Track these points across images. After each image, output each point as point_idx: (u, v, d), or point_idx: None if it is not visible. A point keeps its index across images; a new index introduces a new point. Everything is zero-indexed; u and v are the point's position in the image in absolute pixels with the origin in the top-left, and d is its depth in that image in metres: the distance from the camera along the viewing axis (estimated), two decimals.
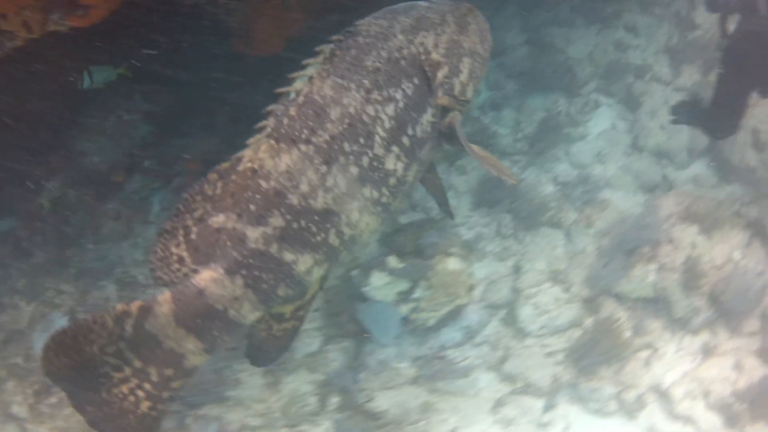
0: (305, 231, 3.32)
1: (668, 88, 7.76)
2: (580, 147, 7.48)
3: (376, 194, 3.45)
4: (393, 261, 5.99)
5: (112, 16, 4.68)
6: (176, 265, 3.33)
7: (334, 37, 3.41)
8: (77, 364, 3.21)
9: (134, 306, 3.21)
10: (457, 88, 3.62)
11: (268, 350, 3.82)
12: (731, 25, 5.11)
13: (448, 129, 3.64)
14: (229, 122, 7.13)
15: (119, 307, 3.19)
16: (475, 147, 3.61)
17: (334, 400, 5.88)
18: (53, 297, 6.44)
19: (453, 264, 6.00)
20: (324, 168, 3.28)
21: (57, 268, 6.58)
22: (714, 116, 5.57)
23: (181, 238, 3.33)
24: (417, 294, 6.05)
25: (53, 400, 5.76)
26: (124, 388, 3.33)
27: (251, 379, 5.97)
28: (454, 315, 6.26)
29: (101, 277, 6.40)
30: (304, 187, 3.27)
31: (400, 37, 3.47)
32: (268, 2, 5.77)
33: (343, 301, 5.94)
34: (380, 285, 5.98)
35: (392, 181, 3.47)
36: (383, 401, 5.83)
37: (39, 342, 5.95)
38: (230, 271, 3.27)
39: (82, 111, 6.73)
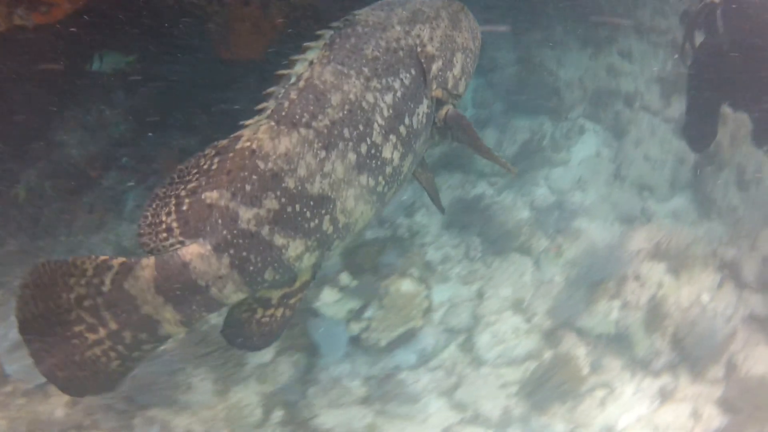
0: (299, 216, 3.21)
1: (656, 118, 7.30)
2: (561, 172, 7.06)
3: (372, 182, 3.34)
4: (345, 278, 5.78)
5: (93, 12, 4.68)
6: (164, 234, 3.18)
7: (334, 24, 3.35)
8: (51, 312, 3.14)
9: (116, 261, 3.09)
10: (451, 82, 3.58)
11: (251, 335, 3.61)
12: (697, 39, 5.09)
13: (442, 122, 3.58)
14: (208, 124, 6.90)
15: (101, 257, 3.07)
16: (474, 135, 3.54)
17: (279, 414, 5.62)
18: None
19: (407, 286, 5.69)
20: (323, 153, 3.18)
21: (27, 257, 6.29)
22: (688, 129, 5.54)
23: (172, 207, 3.19)
24: (368, 313, 5.80)
25: (8, 388, 5.50)
26: (97, 350, 3.22)
27: (202, 384, 5.70)
28: (409, 337, 5.95)
29: None
30: (301, 171, 3.16)
31: (398, 28, 3.42)
32: (247, 7, 5.68)
33: (298, 313, 5.54)
34: (330, 302, 5.76)
35: (389, 170, 3.38)
36: (329, 419, 5.56)
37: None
38: (218, 249, 3.14)
39: (64, 102, 6.52)
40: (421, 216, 6.38)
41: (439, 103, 3.57)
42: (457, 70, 3.63)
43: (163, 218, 3.19)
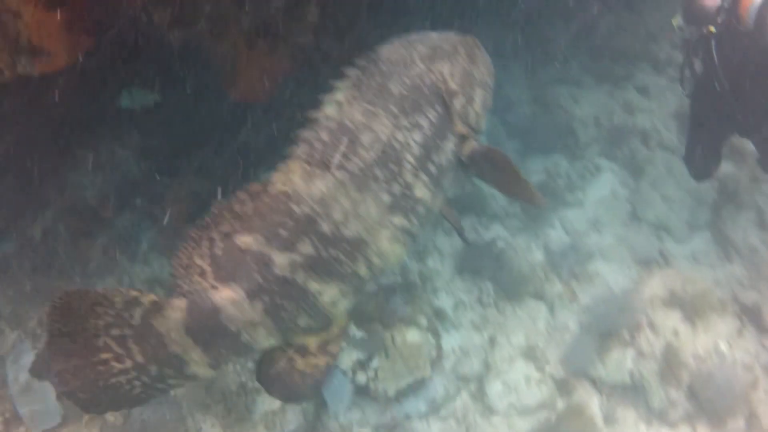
0: (334, 260, 3.13)
1: (674, 157, 6.93)
2: (576, 213, 6.82)
3: (406, 223, 3.27)
4: (351, 327, 5.27)
5: (105, 55, 4.68)
6: (197, 277, 3.13)
7: (357, 62, 3.33)
8: (80, 334, 3.03)
9: (146, 298, 3.01)
10: (472, 118, 3.52)
11: (293, 386, 3.46)
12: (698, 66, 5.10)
13: (468, 158, 3.50)
14: (221, 165, 6.79)
15: (132, 292, 3.00)
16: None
17: None
18: (35, 327, 6.15)
19: (413, 336, 5.56)
20: (357, 195, 3.12)
21: (43, 298, 6.19)
22: (689, 157, 5.53)
23: (205, 250, 3.16)
24: (375, 364, 5.62)
25: (21, 429, 5.45)
26: (122, 378, 3.11)
27: (212, 430, 5.58)
28: (418, 385, 5.77)
29: None
30: (336, 215, 3.10)
31: (420, 64, 3.37)
32: (253, 50, 5.50)
33: None
34: None
35: (420, 209, 3.31)
36: None
37: (11, 371, 5.75)
38: (251, 295, 3.06)
39: (78, 143, 6.45)
40: (433, 261, 6.20)
41: (462, 139, 3.48)
42: (477, 106, 3.57)
43: (197, 260, 3.15)
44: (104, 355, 3.10)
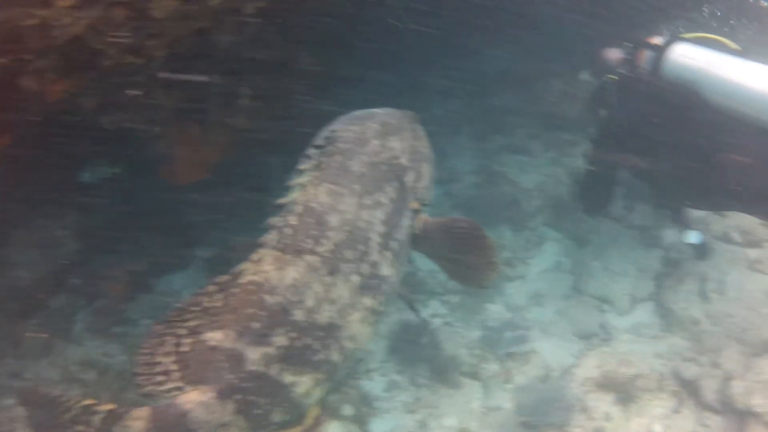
0: (308, 349, 3.01)
1: (618, 225, 6.73)
2: (518, 286, 6.68)
3: (374, 303, 3.19)
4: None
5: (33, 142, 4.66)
6: (161, 377, 2.90)
7: (317, 143, 3.31)
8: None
9: (103, 407, 2.77)
10: (422, 192, 3.52)
11: None
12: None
13: (421, 232, 3.49)
14: (159, 247, 6.81)
15: (87, 401, 2.77)
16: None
17: None
18: None
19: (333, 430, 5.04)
20: (329, 279, 3.04)
21: None
22: (584, 193, 5.90)
23: (171, 348, 2.94)
24: None
25: None
26: None
27: None
28: None
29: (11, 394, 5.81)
30: (309, 301, 3.00)
31: (375, 141, 3.36)
32: (187, 132, 5.62)
33: None
34: None
35: (386, 288, 3.24)
36: None
37: None
38: (222, 395, 2.86)
39: (16, 222, 6.43)
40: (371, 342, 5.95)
41: (415, 213, 3.47)
42: (426, 180, 3.57)
43: (161, 359, 2.93)
44: None
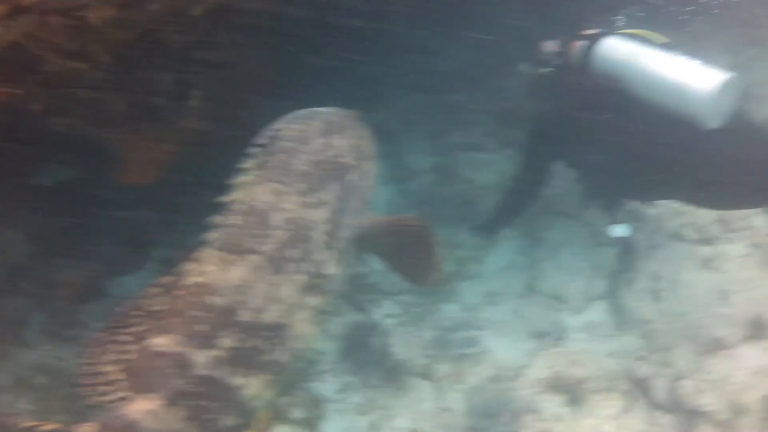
0: (255, 350, 2.97)
1: (573, 223, 6.78)
2: (472, 285, 6.63)
3: (320, 302, 3.20)
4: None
5: None
6: (106, 387, 2.81)
7: (260, 141, 3.30)
8: None
9: (46, 427, 2.65)
10: (366, 191, 3.57)
11: None
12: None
13: (366, 231, 3.52)
14: (111, 248, 6.77)
15: (25, 424, 2.64)
16: None
17: None
18: None
19: None
20: (274, 278, 3.02)
21: None
22: (519, 181, 5.96)
23: (115, 356, 2.87)
24: None
25: None
26: None
27: None
28: None
29: None
30: (255, 302, 2.97)
31: (319, 140, 3.38)
32: (137, 135, 5.54)
33: None
34: None
35: (331, 287, 3.26)
36: None
37: None
38: (171, 402, 2.78)
39: None
40: (320, 341, 5.92)
41: (359, 212, 3.50)
42: (369, 179, 3.62)
43: (105, 368, 2.86)
44: None
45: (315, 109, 3.73)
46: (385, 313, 6.33)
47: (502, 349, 6.25)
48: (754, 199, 5.34)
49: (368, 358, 5.98)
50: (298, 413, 5.38)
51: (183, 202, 5.83)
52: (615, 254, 6.59)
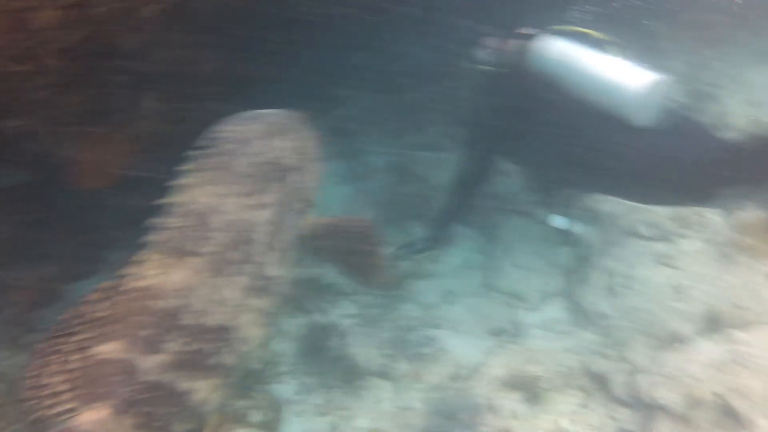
0: (201, 353, 2.93)
1: (528, 221, 6.72)
2: (428, 284, 6.61)
3: (263, 304, 3.17)
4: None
5: None
6: (51, 400, 2.71)
7: (199, 144, 3.29)
8: None
9: None
10: (308, 192, 3.58)
11: None
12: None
13: (309, 232, 3.55)
14: (68, 252, 6.67)
15: None
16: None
17: None
18: None
19: None
20: (215, 281, 2.99)
21: None
22: (461, 174, 5.99)
23: (59, 366, 2.77)
24: None
25: None
26: None
27: None
28: None
29: None
30: (198, 304, 2.93)
31: (259, 142, 3.37)
32: (92, 136, 5.49)
33: None
34: None
35: (274, 288, 3.24)
36: None
37: None
38: (118, 411, 2.72)
39: None
40: (277, 343, 5.89)
41: (301, 214, 3.52)
42: (312, 180, 3.63)
43: (49, 380, 2.76)
44: None
45: (257, 111, 3.73)
46: (342, 313, 6.26)
47: (460, 347, 6.19)
48: (677, 196, 5.45)
49: (327, 359, 5.89)
50: (256, 416, 5.29)
51: (139, 204, 5.76)
52: (562, 241, 6.67)
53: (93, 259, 6.56)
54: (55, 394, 2.73)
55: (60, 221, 6.33)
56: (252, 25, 5.52)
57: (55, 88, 4.64)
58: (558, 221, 5.95)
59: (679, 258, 6.16)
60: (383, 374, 6.11)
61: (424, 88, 7.93)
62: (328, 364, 5.92)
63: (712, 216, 6.34)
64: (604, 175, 5.19)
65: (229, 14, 5.26)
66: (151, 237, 3.12)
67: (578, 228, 6.27)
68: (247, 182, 3.24)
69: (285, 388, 5.97)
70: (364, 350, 6.10)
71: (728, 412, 4.87)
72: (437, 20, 6.61)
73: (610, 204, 6.60)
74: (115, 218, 6.10)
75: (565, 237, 6.27)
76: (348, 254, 3.76)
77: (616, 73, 4.91)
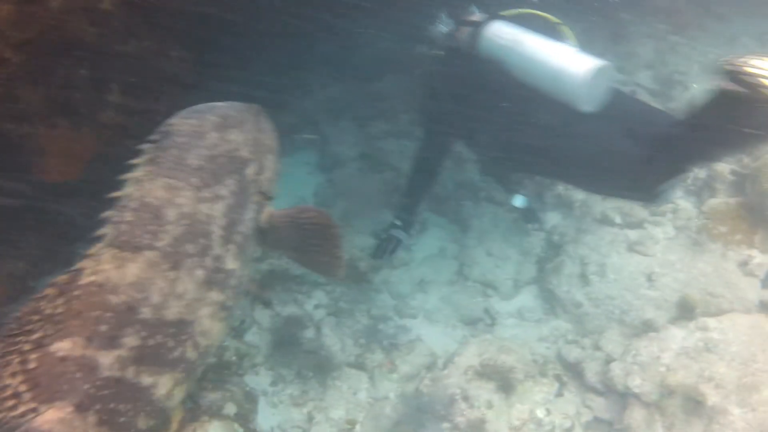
0: (162, 347, 2.87)
1: (500, 209, 6.71)
2: (401, 274, 6.59)
3: (222, 297, 3.12)
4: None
5: None
6: (11, 402, 2.61)
7: (151, 137, 3.23)
8: None
9: None
10: (265, 184, 3.51)
11: None
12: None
13: (267, 224, 3.50)
14: (36, 247, 6.07)
15: None
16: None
17: None
18: None
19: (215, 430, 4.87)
20: (172, 274, 2.93)
21: None
22: (419, 162, 5.97)
23: (16, 366, 2.67)
24: None
25: None
26: None
27: None
28: None
29: None
30: (155, 298, 2.87)
31: (213, 134, 3.29)
32: (56, 129, 5.33)
33: None
34: None
35: (233, 281, 3.19)
36: None
37: None
38: (81, 408, 2.64)
39: None
40: (252, 335, 5.84)
41: (259, 206, 3.45)
42: (269, 173, 3.56)
43: (8, 381, 2.66)
44: None
45: (212, 103, 3.64)
46: (316, 304, 6.18)
47: (434, 336, 6.19)
48: (617, 187, 5.28)
49: (301, 350, 5.85)
50: (232, 408, 5.21)
51: (107, 197, 5.69)
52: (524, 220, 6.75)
53: (62, 254, 6.45)
54: (15, 395, 2.65)
55: (28, 216, 6.04)
56: (215, 17, 5.45)
57: (15, 81, 4.53)
58: (518, 200, 5.92)
59: (652, 245, 6.19)
60: (358, 365, 6.10)
61: (388, 76, 7.86)
62: (303, 355, 5.87)
63: (683, 203, 6.37)
64: (551, 161, 5.13)
65: (192, 6, 5.17)
66: (105, 230, 3.05)
67: (536, 205, 6.27)
68: (201, 175, 3.16)
69: (260, 380, 5.92)
70: (339, 341, 6.02)
71: (701, 401, 4.86)
72: (394, 7, 6.55)
73: (583, 192, 6.56)
74: (85, 211, 5.99)
75: (526, 216, 6.23)
76: (306, 246, 3.68)
77: (560, 60, 4.89)
